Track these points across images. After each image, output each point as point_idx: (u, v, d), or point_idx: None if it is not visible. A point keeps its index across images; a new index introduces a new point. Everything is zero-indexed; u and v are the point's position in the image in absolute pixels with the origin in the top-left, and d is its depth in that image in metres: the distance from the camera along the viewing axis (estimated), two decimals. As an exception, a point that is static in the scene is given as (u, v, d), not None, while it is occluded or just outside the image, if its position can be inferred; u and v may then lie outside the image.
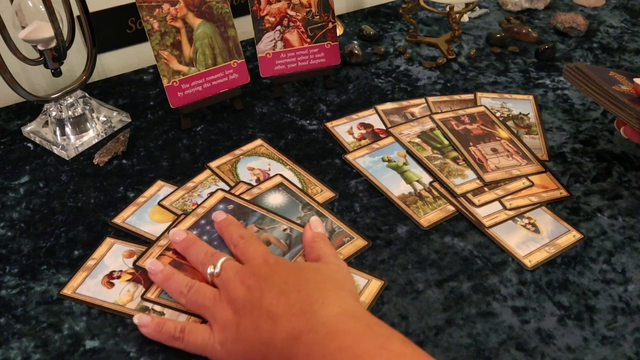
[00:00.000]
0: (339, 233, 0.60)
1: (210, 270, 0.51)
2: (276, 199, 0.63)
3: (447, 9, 0.86)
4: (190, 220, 0.60)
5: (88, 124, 0.74)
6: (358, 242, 0.59)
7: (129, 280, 0.56)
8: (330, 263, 0.51)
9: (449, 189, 0.65)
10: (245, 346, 0.46)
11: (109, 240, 0.60)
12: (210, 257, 0.53)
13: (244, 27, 0.88)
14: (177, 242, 0.56)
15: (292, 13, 0.77)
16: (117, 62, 0.88)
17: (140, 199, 0.65)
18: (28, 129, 0.75)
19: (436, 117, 0.75)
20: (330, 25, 0.79)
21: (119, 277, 0.56)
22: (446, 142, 0.71)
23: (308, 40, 0.79)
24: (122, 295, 0.55)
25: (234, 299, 0.47)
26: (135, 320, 0.50)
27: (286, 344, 0.43)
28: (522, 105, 0.78)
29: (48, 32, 0.66)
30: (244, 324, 0.46)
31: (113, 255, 0.58)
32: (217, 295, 0.49)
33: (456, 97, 0.80)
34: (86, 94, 0.76)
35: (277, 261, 0.50)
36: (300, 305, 0.44)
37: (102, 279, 0.56)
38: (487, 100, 0.79)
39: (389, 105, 0.78)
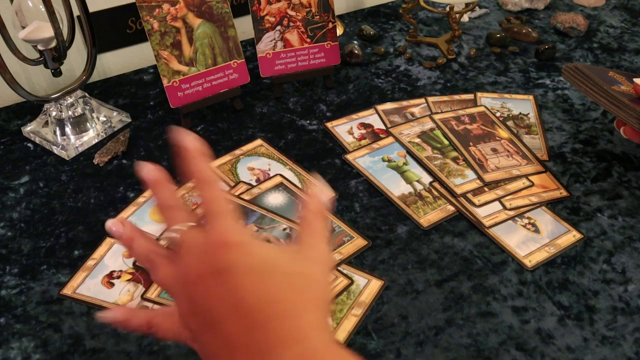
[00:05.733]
0: (339, 233, 0.60)
1: (169, 234, 0.43)
2: (276, 199, 0.63)
3: (447, 9, 0.86)
4: (190, 220, 0.60)
5: (88, 124, 0.74)
6: (358, 242, 0.59)
7: (129, 280, 0.56)
8: (311, 258, 0.42)
9: (449, 189, 0.65)
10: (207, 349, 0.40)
11: (109, 240, 0.60)
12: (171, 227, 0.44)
13: (244, 27, 0.88)
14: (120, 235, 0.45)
15: (292, 13, 0.77)
16: (117, 62, 0.88)
17: (140, 199, 0.65)
18: (28, 129, 0.75)
19: (436, 117, 0.75)
20: (330, 25, 0.79)
21: (119, 277, 0.56)
22: (446, 142, 0.71)
23: (308, 40, 0.79)
24: (122, 295, 0.55)
25: (191, 298, 0.40)
26: (100, 315, 0.43)
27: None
28: (522, 105, 0.78)
29: (48, 32, 0.66)
30: (203, 338, 0.40)
31: (113, 255, 0.58)
32: (174, 278, 0.42)
33: (456, 97, 0.80)
34: (86, 94, 0.76)
35: (239, 249, 0.41)
36: (259, 346, 0.38)
37: (102, 279, 0.56)
38: (487, 100, 0.79)
39: (389, 105, 0.78)
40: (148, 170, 0.46)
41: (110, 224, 0.43)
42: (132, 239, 0.44)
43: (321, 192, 0.45)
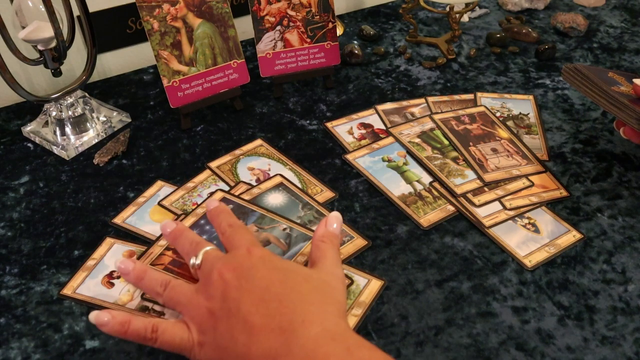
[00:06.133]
0: (339, 233, 0.60)
1: (192, 261, 0.49)
2: (276, 199, 0.63)
3: (447, 9, 0.86)
4: (190, 220, 0.60)
5: (88, 124, 0.74)
6: (358, 242, 0.59)
7: (129, 280, 0.56)
8: (324, 270, 0.48)
9: (449, 189, 0.65)
10: (222, 354, 0.43)
11: (109, 240, 0.60)
12: (195, 246, 0.50)
13: (244, 27, 0.88)
14: (167, 235, 0.53)
15: (292, 13, 0.77)
16: (117, 62, 0.88)
17: (140, 199, 0.65)
18: (28, 129, 0.75)
19: (436, 117, 0.75)
20: (330, 25, 0.79)
21: (119, 277, 0.56)
22: (446, 142, 0.71)
23: (308, 40, 0.79)
24: (122, 295, 0.55)
25: (212, 297, 0.45)
26: (92, 318, 0.45)
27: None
28: (522, 105, 0.78)
29: (48, 32, 0.66)
30: (221, 329, 0.43)
31: (113, 255, 0.58)
32: (194, 291, 0.46)
33: (456, 97, 0.80)
34: (86, 94, 0.76)
35: (262, 255, 0.47)
36: (280, 321, 0.41)
37: (102, 279, 0.56)
38: (487, 100, 0.79)
39: (389, 105, 0.78)
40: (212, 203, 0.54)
41: (120, 263, 0.49)
42: (141, 276, 0.49)
43: (332, 219, 0.52)
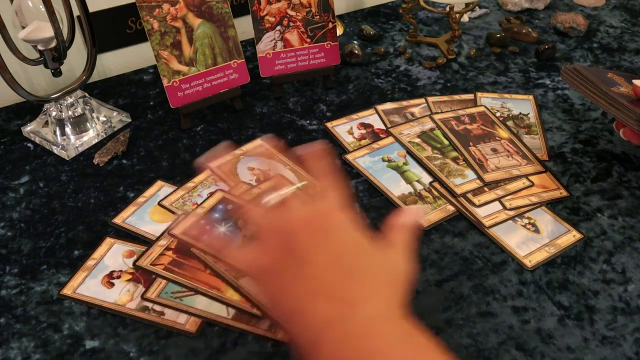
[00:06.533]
0: (339, 233, 0.60)
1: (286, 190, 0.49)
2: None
3: (447, 9, 0.86)
4: (190, 220, 0.60)
5: (88, 124, 0.74)
6: (358, 242, 0.59)
7: (129, 280, 0.56)
8: (397, 257, 0.47)
9: (449, 189, 0.65)
10: (280, 295, 0.43)
11: (109, 240, 0.60)
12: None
13: (244, 27, 0.88)
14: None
15: (292, 13, 0.77)
16: (117, 62, 0.88)
17: (140, 199, 0.65)
18: (28, 129, 0.75)
19: (436, 117, 0.75)
20: (330, 25, 0.79)
21: (119, 277, 0.56)
22: (446, 142, 0.71)
23: (308, 40, 0.79)
24: (122, 295, 0.55)
25: (286, 241, 0.44)
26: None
27: (319, 325, 0.41)
28: (522, 105, 0.78)
29: (48, 32, 0.66)
30: (288, 274, 0.43)
31: (113, 255, 0.58)
32: (275, 228, 0.46)
33: (456, 97, 0.80)
34: (86, 94, 0.76)
35: (347, 222, 0.46)
36: (343, 292, 0.42)
37: (102, 279, 0.56)
38: (487, 100, 0.79)
39: (389, 105, 0.78)
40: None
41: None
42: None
43: (418, 212, 0.52)
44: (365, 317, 0.41)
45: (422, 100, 0.79)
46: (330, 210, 0.47)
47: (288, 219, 0.46)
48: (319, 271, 0.43)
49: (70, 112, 0.73)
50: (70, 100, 0.73)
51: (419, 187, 0.65)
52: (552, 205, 0.63)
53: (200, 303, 0.53)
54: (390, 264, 0.46)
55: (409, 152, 0.70)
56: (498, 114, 0.76)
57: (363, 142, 0.72)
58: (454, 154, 0.69)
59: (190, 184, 0.66)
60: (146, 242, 0.60)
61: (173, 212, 0.62)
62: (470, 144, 0.70)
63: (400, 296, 0.45)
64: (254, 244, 0.45)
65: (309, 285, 0.42)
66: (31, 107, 0.79)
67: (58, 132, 0.73)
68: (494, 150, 0.69)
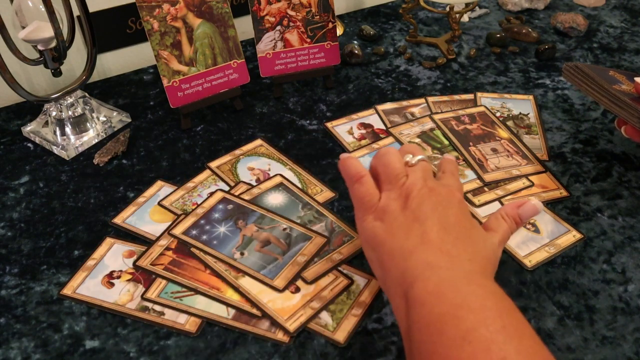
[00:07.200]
0: (338, 233, 0.60)
1: (408, 158, 0.53)
2: (276, 199, 0.63)
3: (447, 9, 0.86)
4: (190, 220, 0.60)
5: (88, 124, 0.74)
6: (358, 242, 0.59)
7: (129, 280, 0.56)
8: (496, 242, 0.50)
9: (449, 189, 0.65)
10: (387, 237, 0.47)
11: (109, 240, 0.60)
12: (414, 150, 0.55)
13: (244, 27, 0.88)
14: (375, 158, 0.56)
15: (292, 13, 0.77)
16: (117, 62, 0.88)
17: (140, 199, 0.65)
18: (28, 129, 0.75)
19: (436, 117, 0.75)
20: (330, 25, 0.79)
21: (119, 277, 0.56)
22: (446, 142, 0.71)
23: (308, 40, 0.79)
24: (122, 295, 0.55)
25: (408, 194, 0.49)
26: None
27: (420, 266, 0.44)
28: (522, 105, 0.78)
29: (48, 32, 0.66)
30: (401, 221, 0.48)
31: (113, 255, 0.58)
32: (397, 180, 0.51)
33: (456, 97, 0.80)
34: (86, 94, 0.76)
35: (461, 201, 0.51)
36: (449, 250, 0.45)
37: (102, 279, 0.56)
38: (487, 100, 0.79)
39: (389, 105, 0.78)
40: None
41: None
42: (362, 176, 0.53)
43: (536, 205, 0.53)
44: (468, 270, 0.45)
45: (422, 100, 0.79)
46: (456, 187, 0.52)
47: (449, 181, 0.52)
48: (437, 227, 0.47)
49: (70, 112, 0.73)
50: (70, 100, 0.73)
51: (419, 187, 0.65)
52: (552, 205, 0.63)
53: (200, 303, 0.53)
54: (491, 248, 0.49)
55: (409, 152, 0.70)
56: (498, 114, 0.76)
57: (363, 142, 0.72)
58: (454, 154, 0.69)
59: (190, 184, 0.66)
60: (146, 242, 0.60)
61: (173, 212, 0.63)
62: (470, 144, 0.70)
63: (491, 270, 0.48)
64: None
65: (424, 235, 0.46)
66: (31, 107, 0.79)
67: (58, 132, 0.73)
68: (494, 150, 0.69)
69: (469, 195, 0.64)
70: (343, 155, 0.54)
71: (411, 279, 0.44)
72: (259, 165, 0.68)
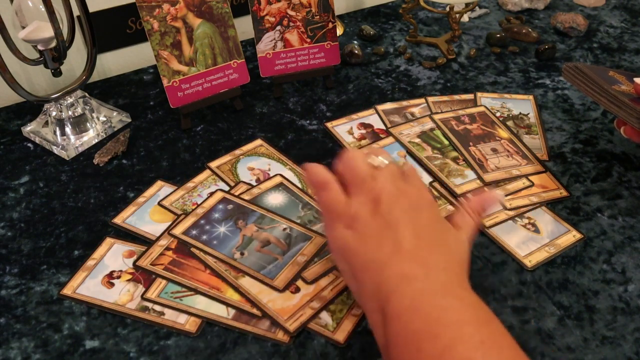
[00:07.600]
0: (339, 233, 0.60)
1: (374, 161, 0.51)
2: (276, 199, 0.63)
3: (447, 9, 0.86)
4: (190, 220, 0.60)
5: (88, 124, 0.74)
6: (358, 242, 0.59)
7: (129, 280, 0.56)
8: (465, 240, 0.50)
9: (449, 189, 0.65)
10: (359, 248, 0.46)
11: (109, 240, 0.60)
12: (380, 153, 0.53)
13: (244, 27, 0.88)
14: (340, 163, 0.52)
15: (292, 13, 0.77)
16: (117, 62, 0.88)
17: (140, 199, 0.65)
18: (28, 129, 0.75)
19: (436, 117, 0.75)
20: (330, 25, 0.79)
21: (119, 277, 0.56)
22: (446, 142, 0.71)
23: (308, 40, 0.79)
24: (122, 295, 0.55)
25: (378, 198, 0.47)
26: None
27: (395, 278, 0.44)
28: (522, 105, 0.78)
29: (48, 32, 0.66)
30: (372, 228, 0.46)
31: (113, 255, 0.58)
32: (365, 183, 0.49)
33: (456, 97, 0.80)
34: (86, 94, 0.76)
35: (432, 203, 0.50)
36: (423, 258, 0.45)
37: (102, 279, 0.56)
38: (487, 100, 0.79)
39: (389, 105, 0.78)
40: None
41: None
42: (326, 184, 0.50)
43: (496, 195, 0.54)
44: (439, 282, 0.44)
45: (422, 100, 0.79)
46: (424, 188, 0.52)
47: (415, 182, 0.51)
48: (411, 233, 0.46)
49: (70, 112, 0.73)
50: (70, 100, 0.73)
51: (419, 187, 0.65)
52: (552, 205, 0.63)
53: (200, 303, 0.53)
54: (462, 248, 0.49)
55: (409, 152, 0.70)
56: (498, 114, 0.76)
57: (363, 142, 0.72)
58: (454, 154, 0.69)
59: (190, 184, 0.66)
60: (146, 242, 0.60)
61: (173, 212, 0.62)
62: (470, 144, 0.70)
63: (465, 275, 0.47)
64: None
65: (397, 244, 0.45)
66: (31, 107, 0.79)
67: (58, 132, 0.73)
68: (494, 150, 0.69)
69: (469, 196, 0.64)
70: (307, 164, 0.53)
71: (387, 293, 0.43)
72: (259, 165, 0.69)
